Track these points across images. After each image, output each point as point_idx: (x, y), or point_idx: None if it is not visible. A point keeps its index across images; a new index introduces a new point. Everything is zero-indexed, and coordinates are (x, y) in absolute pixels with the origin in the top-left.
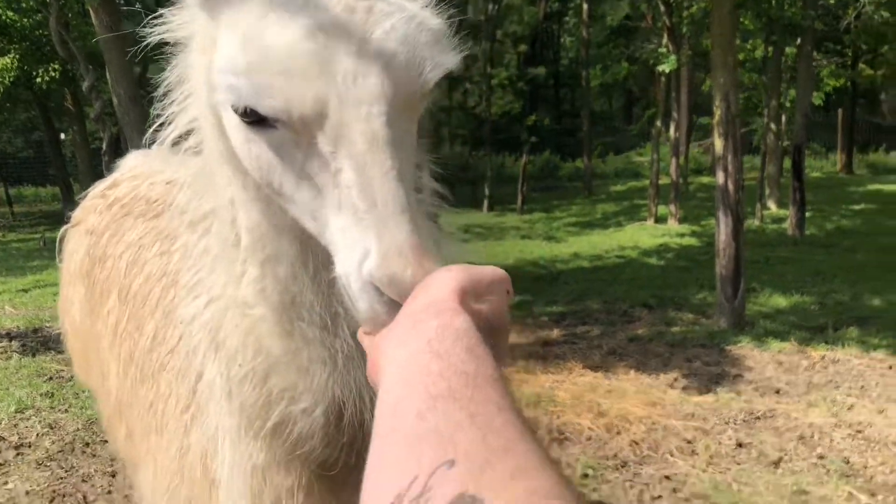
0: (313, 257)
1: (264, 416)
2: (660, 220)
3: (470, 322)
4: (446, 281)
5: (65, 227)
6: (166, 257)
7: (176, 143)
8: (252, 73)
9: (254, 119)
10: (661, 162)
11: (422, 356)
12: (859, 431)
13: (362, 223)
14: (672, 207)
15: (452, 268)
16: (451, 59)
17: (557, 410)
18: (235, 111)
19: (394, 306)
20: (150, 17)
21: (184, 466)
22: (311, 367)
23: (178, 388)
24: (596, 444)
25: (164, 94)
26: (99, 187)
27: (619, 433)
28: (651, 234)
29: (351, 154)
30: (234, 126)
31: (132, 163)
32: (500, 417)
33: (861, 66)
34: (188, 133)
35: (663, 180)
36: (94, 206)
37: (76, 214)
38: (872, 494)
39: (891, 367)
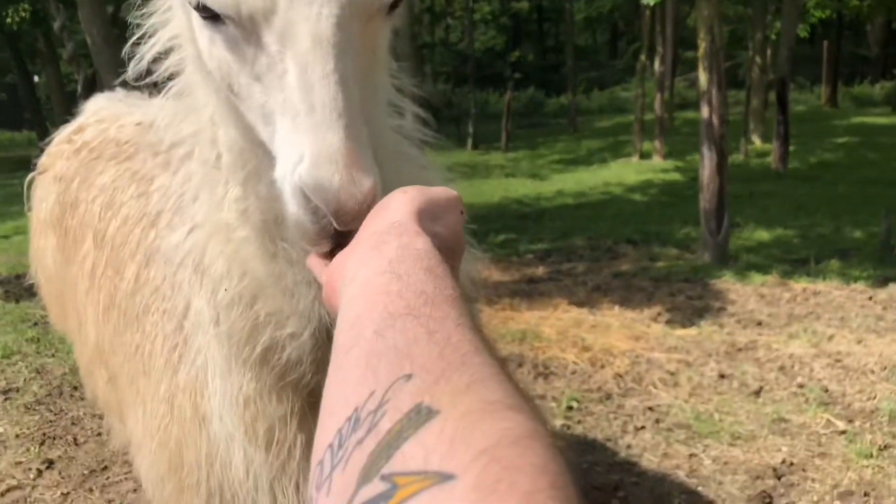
0: None
1: (252, 342)
2: (645, 155)
3: (429, 243)
4: (404, 202)
5: (31, 175)
6: (144, 199)
7: (155, 61)
8: None
9: (207, 15)
10: (647, 97)
11: (382, 276)
12: (838, 361)
13: (300, 127)
14: (657, 143)
15: (408, 189)
16: None
17: (542, 346)
18: (194, 7)
19: (319, 215)
20: None
21: (173, 406)
22: (295, 289)
23: (164, 327)
24: (580, 377)
25: (144, 8)
26: (64, 132)
27: (603, 367)
28: (636, 170)
29: (295, 54)
30: (198, 27)
31: (96, 106)
32: (458, 333)
33: None
34: (168, 51)
35: (648, 116)
36: (61, 151)
37: (42, 161)
38: (850, 421)
39: (870, 298)
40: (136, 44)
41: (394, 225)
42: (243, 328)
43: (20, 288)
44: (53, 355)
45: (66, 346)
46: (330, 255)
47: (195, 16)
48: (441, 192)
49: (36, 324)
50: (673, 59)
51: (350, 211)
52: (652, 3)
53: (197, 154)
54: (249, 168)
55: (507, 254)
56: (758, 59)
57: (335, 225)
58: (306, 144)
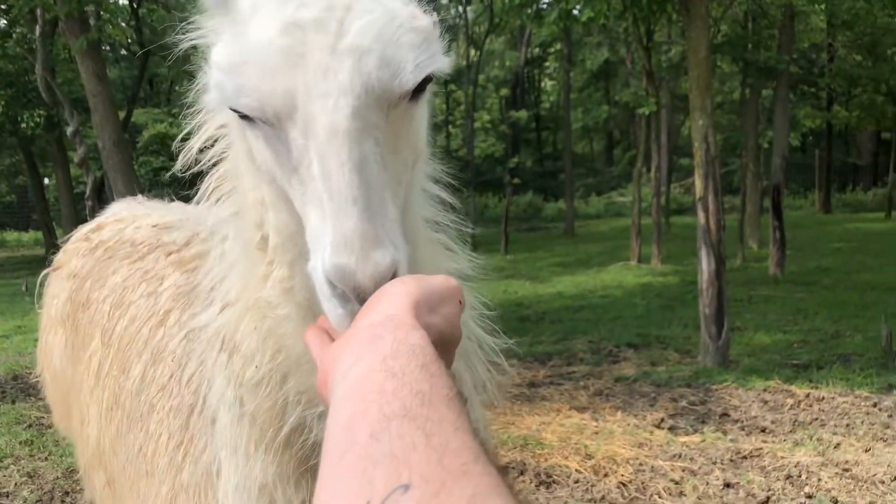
0: None
1: (279, 422)
2: (643, 259)
3: (425, 338)
4: (401, 294)
5: (46, 271)
6: (153, 298)
7: (202, 151)
8: (235, 72)
9: (241, 115)
10: (643, 202)
11: (377, 374)
12: (846, 470)
13: (326, 216)
14: (654, 247)
15: (406, 279)
16: (437, 62)
17: (544, 453)
18: (223, 106)
19: (346, 299)
20: (136, 56)
21: None
22: None
23: (169, 425)
24: (584, 486)
25: (193, 104)
26: (83, 230)
27: (606, 475)
28: (634, 273)
29: (316, 146)
30: (238, 123)
31: (117, 207)
32: (457, 439)
33: (836, 107)
34: (215, 140)
35: (645, 221)
36: (78, 249)
37: (58, 258)
38: None
39: (875, 405)
40: (184, 139)
41: (389, 318)
42: (271, 408)
43: (17, 389)
44: (47, 458)
45: (61, 450)
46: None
47: (235, 116)
48: (440, 281)
49: (30, 425)
50: (668, 166)
51: (367, 289)
52: (647, 113)
53: (234, 234)
54: (299, 249)
55: (507, 356)
56: (751, 167)
57: (357, 304)
58: (328, 233)
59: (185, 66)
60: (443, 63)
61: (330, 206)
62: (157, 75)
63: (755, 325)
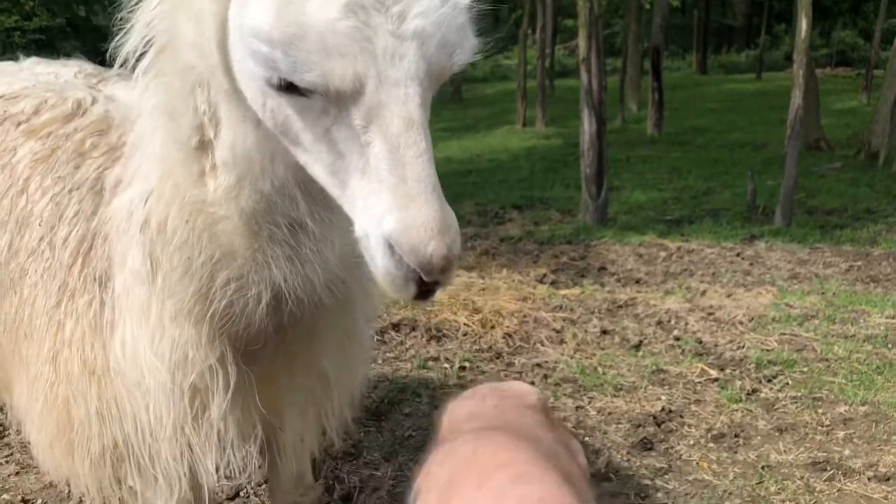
0: (310, 179)
1: (204, 304)
2: (528, 123)
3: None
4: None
5: None
6: (8, 169)
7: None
8: (289, 46)
9: (285, 87)
10: (528, 65)
11: None
12: (711, 314)
13: (388, 193)
14: (539, 110)
15: (536, 395)
16: (474, 44)
17: (435, 310)
18: (269, 82)
19: (403, 263)
20: None
21: (58, 364)
22: (270, 262)
23: (45, 286)
24: (472, 338)
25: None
26: None
27: (493, 327)
28: (520, 137)
29: (385, 133)
30: (252, 81)
31: None
32: None
33: None
34: (149, 42)
35: (530, 83)
36: None
37: None
38: (721, 369)
39: (738, 255)
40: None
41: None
42: (198, 291)
43: None
44: None
45: None
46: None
47: (252, 75)
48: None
49: None
50: (553, 28)
51: (438, 267)
52: None
53: (163, 131)
54: (255, 171)
55: None
56: (633, 27)
57: (423, 276)
58: (395, 209)
59: None
60: (476, 45)
61: (402, 190)
62: None
63: (633, 184)
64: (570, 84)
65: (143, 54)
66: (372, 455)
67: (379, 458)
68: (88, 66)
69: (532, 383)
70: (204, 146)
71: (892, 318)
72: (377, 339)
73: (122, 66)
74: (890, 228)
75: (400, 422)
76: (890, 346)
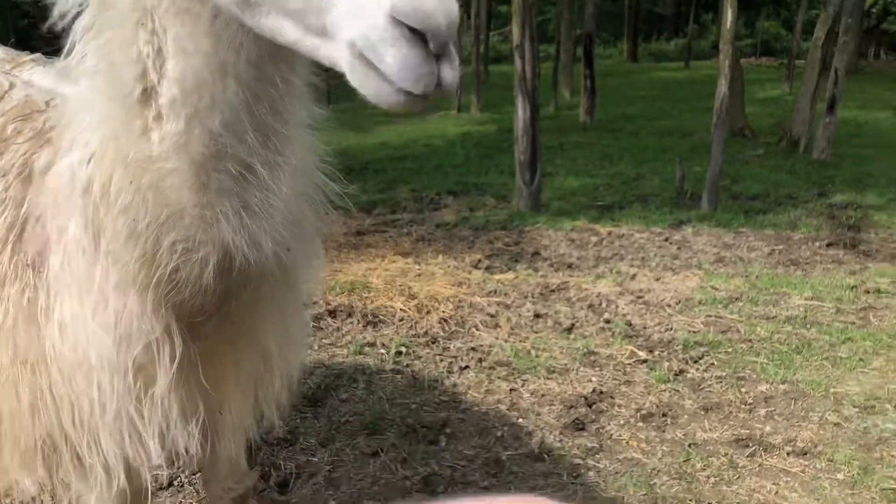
0: (259, 102)
1: (150, 269)
2: (463, 109)
3: None
4: None
5: None
6: None
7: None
8: None
9: None
10: (463, 50)
11: None
12: (640, 297)
13: None
14: (473, 96)
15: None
16: None
17: (371, 296)
18: None
19: (414, 40)
20: None
21: None
22: (219, 218)
23: None
24: (408, 323)
25: None
26: None
27: (429, 313)
28: (455, 123)
29: None
30: None
31: None
32: None
33: None
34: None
35: (465, 69)
36: None
37: None
38: (650, 351)
39: (667, 239)
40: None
41: None
42: (143, 256)
43: None
44: None
45: None
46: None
47: None
48: None
49: None
50: (488, 13)
51: (441, 25)
52: None
53: (101, 89)
54: (205, 101)
55: (334, 207)
56: (566, 15)
57: (431, 46)
58: None
59: None
60: None
61: None
62: None
63: (566, 170)
64: (504, 70)
65: (78, 14)
66: (308, 441)
67: (315, 443)
68: (0, 52)
69: (467, 367)
70: (147, 96)
71: (811, 299)
72: (313, 326)
73: (51, 31)
74: (809, 213)
75: (336, 407)
76: (808, 326)
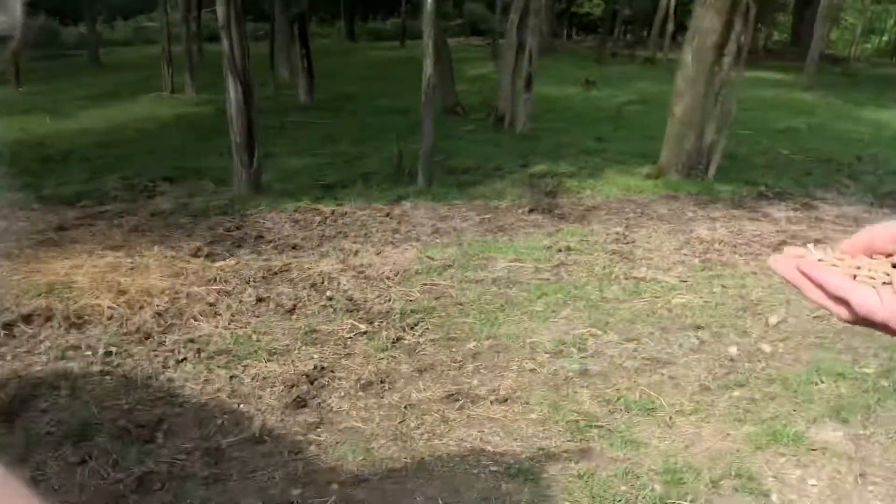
0: None
1: None
2: (177, 90)
3: None
4: None
5: None
6: None
7: None
8: None
9: None
10: (175, 28)
11: None
12: (361, 272)
13: None
14: (188, 77)
15: None
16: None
17: (74, 296)
18: None
19: None
20: None
21: None
22: None
23: None
24: (118, 321)
25: None
26: None
27: (142, 307)
28: (169, 105)
29: None
30: None
31: None
32: None
33: None
34: None
35: (177, 48)
36: None
37: None
38: (370, 322)
39: (387, 215)
40: None
41: None
42: None
43: None
44: None
45: None
46: None
47: None
48: None
49: None
50: None
51: None
52: None
53: None
54: None
55: (28, 201)
56: None
57: None
58: None
59: None
60: None
61: None
62: None
63: (287, 150)
64: (219, 49)
65: None
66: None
67: (11, 461)
68: None
69: (185, 360)
70: None
71: (514, 261)
72: (4, 335)
73: None
74: (514, 183)
75: (35, 419)
76: (511, 285)
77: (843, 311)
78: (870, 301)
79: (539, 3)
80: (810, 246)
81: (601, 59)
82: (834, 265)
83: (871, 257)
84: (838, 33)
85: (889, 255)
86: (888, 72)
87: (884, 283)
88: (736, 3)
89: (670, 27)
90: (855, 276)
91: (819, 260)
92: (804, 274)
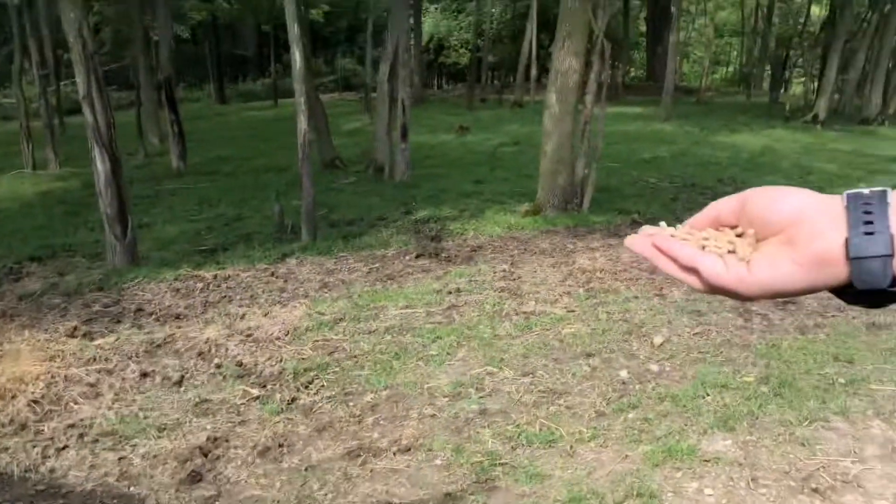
0: None
1: None
2: (38, 166)
3: None
4: None
5: None
6: None
7: None
8: None
9: None
10: (32, 103)
11: None
12: (249, 335)
13: None
14: (49, 151)
15: None
16: None
17: None
18: None
19: None
20: None
21: None
22: None
23: None
24: None
25: None
26: None
27: (14, 397)
28: (31, 182)
29: None
30: None
31: None
32: None
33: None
34: None
35: (36, 123)
36: None
37: None
38: (262, 386)
39: (273, 274)
40: None
41: None
42: None
43: None
44: None
45: None
46: None
47: None
48: None
49: None
50: (56, 61)
51: None
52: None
53: None
54: None
55: None
56: (142, 60)
57: None
58: None
59: None
60: None
61: None
62: None
63: (163, 218)
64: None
65: None
66: None
67: None
68: None
69: (66, 447)
70: None
71: (405, 308)
72: None
73: None
74: (399, 231)
75: None
76: (404, 333)
77: (694, 281)
78: (717, 268)
79: (408, 56)
80: (662, 223)
81: (471, 106)
82: (685, 239)
83: (717, 230)
84: (689, 66)
85: (733, 227)
86: (736, 99)
87: (729, 251)
88: (592, 44)
89: (534, 71)
90: (704, 248)
91: (671, 235)
92: (658, 248)
